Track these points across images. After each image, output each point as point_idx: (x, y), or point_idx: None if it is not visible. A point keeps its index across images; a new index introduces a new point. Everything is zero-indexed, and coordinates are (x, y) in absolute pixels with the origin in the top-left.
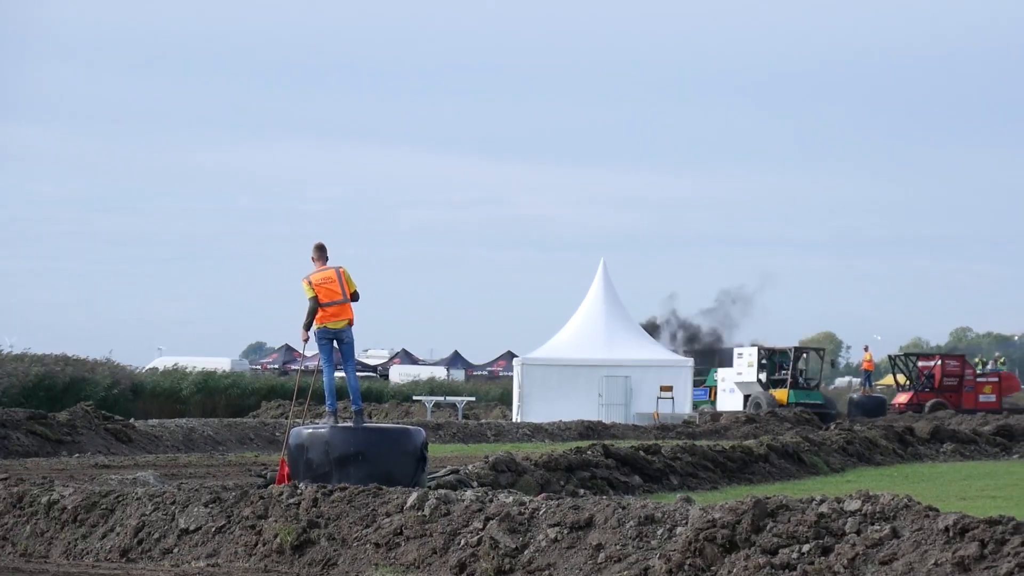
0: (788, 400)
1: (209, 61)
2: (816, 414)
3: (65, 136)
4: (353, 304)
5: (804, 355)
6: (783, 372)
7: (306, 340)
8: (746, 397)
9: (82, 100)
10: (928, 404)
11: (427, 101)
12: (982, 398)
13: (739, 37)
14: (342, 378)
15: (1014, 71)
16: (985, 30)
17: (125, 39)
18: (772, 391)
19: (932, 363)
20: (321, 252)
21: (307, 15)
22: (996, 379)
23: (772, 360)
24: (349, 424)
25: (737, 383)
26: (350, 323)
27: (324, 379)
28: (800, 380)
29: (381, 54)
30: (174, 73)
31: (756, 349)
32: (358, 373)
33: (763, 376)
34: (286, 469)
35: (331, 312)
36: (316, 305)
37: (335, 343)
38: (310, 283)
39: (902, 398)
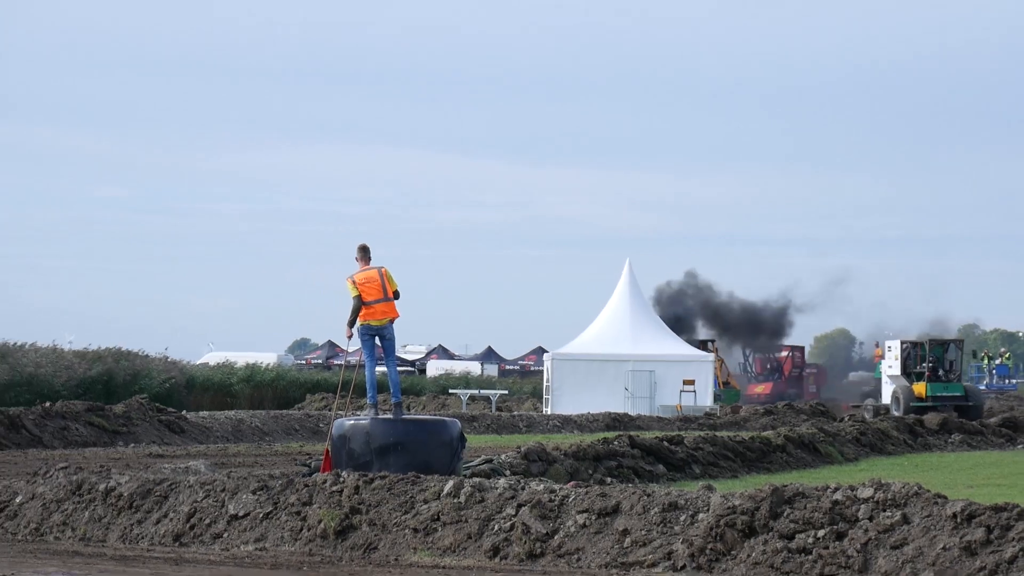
0: (925, 393)
1: (253, 67)
2: (957, 407)
3: (117, 140)
4: (395, 302)
5: (944, 347)
6: (924, 365)
7: (350, 337)
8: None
9: (131, 107)
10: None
11: (464, 108)
12: (811, 388)
13: (758, 42)
14: (383, 372)
15: (1010, 70)
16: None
17: (169, 46)
18: (914, 384)
19: (784, 354)
20: (364, 253)
21: (346, 22)
22: (815, 371)
23: (913, 353)
24: (389, 416)
25: (889, 376)
26: (392, 320)
27: (366, 373)
28: (940, 372)
29: (421, 61)
30: (220, 78)
31: (899, 342)
32: (397, 368)
33: (905, 369)
34: (330, 458)
35: (374, 310)
36: (360, 303)
37: (377, 339)
38: (354, 282)
39: (759, 388)
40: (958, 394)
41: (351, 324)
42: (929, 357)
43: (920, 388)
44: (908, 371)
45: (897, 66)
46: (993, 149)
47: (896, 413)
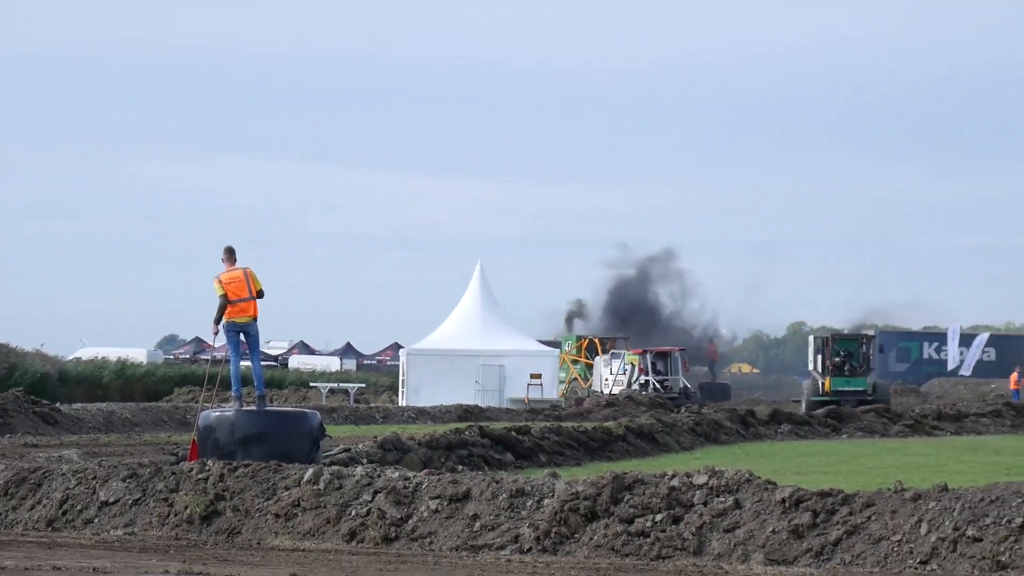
0: (829, 388)
1: (129, 77)
2: (861, 402)
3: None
4: (259, 301)
5: (858, 342)
6: (832, 360)
7: (216, 333)
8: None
9: (10, 113)
10: None
11: (330, 118)
12: None
13: (607, 48)
14: (247, 367)
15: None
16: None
17: (50, 54)
18: (826, 379)
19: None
20: (230, 254)
21: (219, 31)
22: None
23: (826, 348)
24: (253, 408)
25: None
26: (254, 318)
27: (231, 368)
28: (847, 367)
29: (286, 70)
30: (91, 89)
31: (812, 337)
32: (261, 362)
33: (819, 363)
34: (196, 448)
35: (238, 308)
36: (225, 302)
37: (241, 335)
38: (220, 282)
39: None
40: (861, 388)
41: (217, 321)
42: (839, 351)
43: (828, 383)
44: (821, 366)
45: (743, 70)
46: (806, 156)
47: (801, 408)
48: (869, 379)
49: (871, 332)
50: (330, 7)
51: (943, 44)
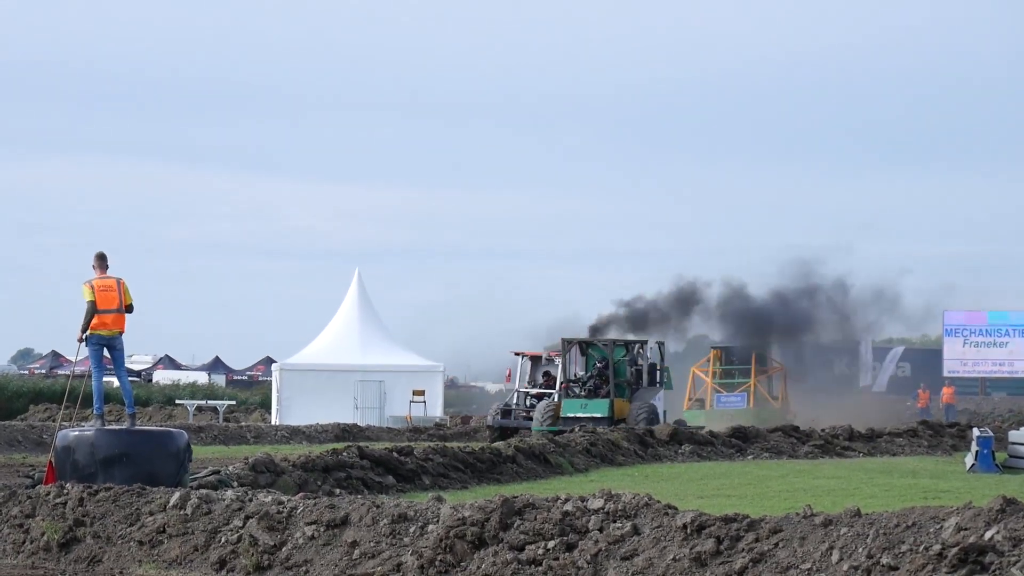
0: (561, 412)
1: None
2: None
3: None
4: (127, 316)
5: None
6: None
7: (81, 341)
8: None
9: None
10: None
11: (192, 118)
12: None
13: (493, 60)
14: (109, 383)
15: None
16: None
17: None
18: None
19: None
20: (102, 261)
21: (71, 31)
22: None
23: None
24: (115, 427)
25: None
26: (121, 332)
27: (93, 384)
28: (578, 386)
29: (156, 72)
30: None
31: (562, 340)
32: (128, 378)
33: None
34: (52, 470)
35: (106, 320)
36: (94, 309)
37: (106, 350)
38: (92, 288)
39: None
40: (599, 414)
41: (84, 329)
42: (594, 362)
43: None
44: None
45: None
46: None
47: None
48: (652, 399)
49: (646, 337)
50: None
51: None
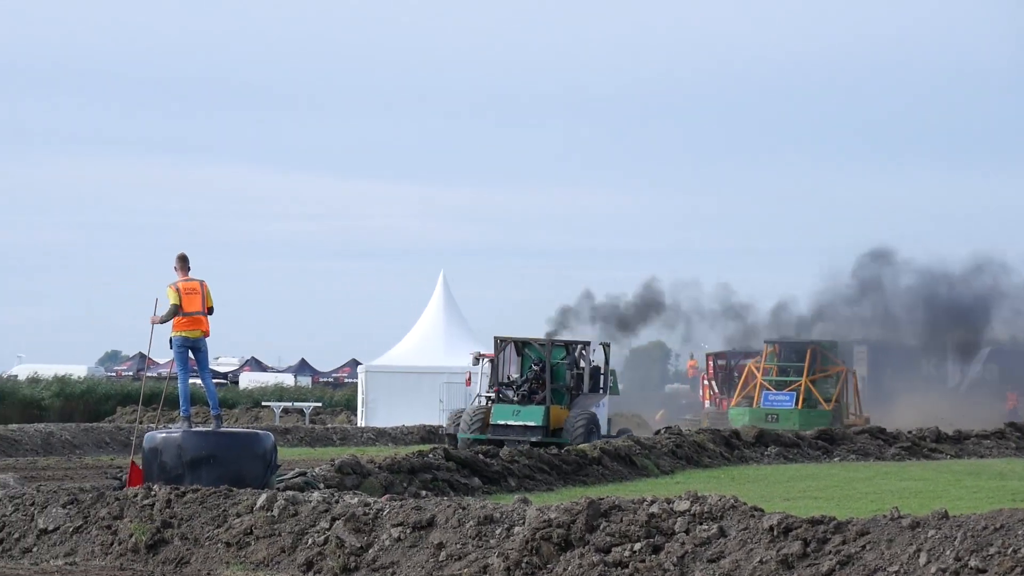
0: (491, 419)
1: (63, 77)
2: (535, 444)
3: None
4: (209, 318)
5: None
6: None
7: (156, 322)
8: None
9: None
10: None
11: (278, 120)
12: None
13: (576, 55)
14: (195, 384)
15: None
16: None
17: None
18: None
19: None
20: (184, 262)
21: (159, 32)
22: None
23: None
24: (202, 428)
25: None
26: (206, 334)
27: (179, 385)
28: (512, 391)
29: (243, 73)
30: (29, 89)
31: (495, 338)
32: (212, 380)
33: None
34: (137, 471)
35: (190, 321)
36: (176, 312)
37: (190, 352)
38: (177, 290)
39: None
40: (532, 423)
41: (161, 321)
42: (531, 364)
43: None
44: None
45: (692, 83)
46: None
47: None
48: (593, 406)
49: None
50: (287, 4)
51: None
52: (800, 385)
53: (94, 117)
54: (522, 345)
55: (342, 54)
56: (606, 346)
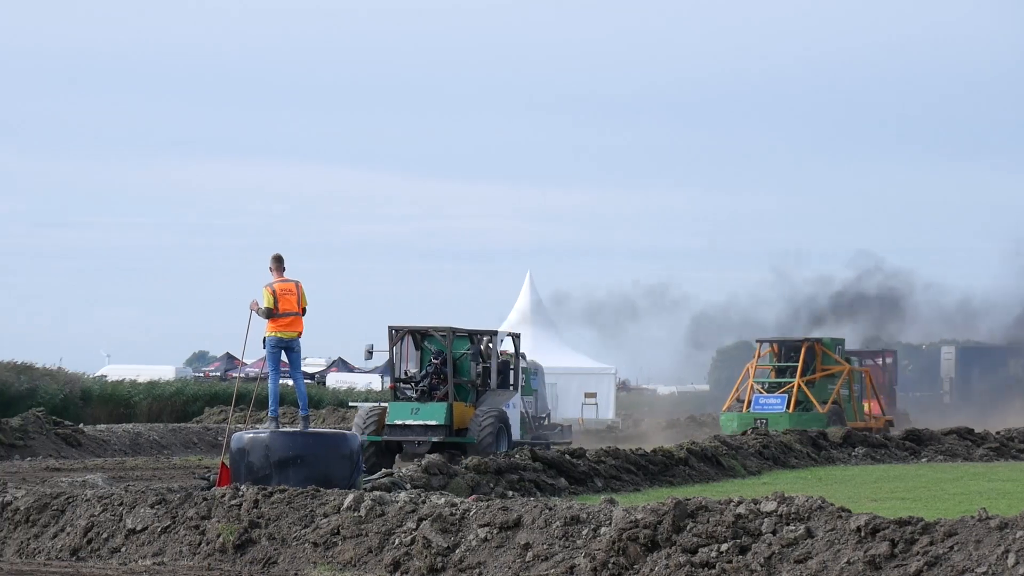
0: (387, 419)
1: (150, 78)
2: (436, 445)
3: (9, 154)
4: (303, 318)
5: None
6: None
7: (255, 310)
8: None
9: (20, 117)
10: None
11: (365, 121)
12: None
13: (663, 53)
14: (284, 385)
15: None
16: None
17: (60, 54)
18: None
19: None
20: (279, 263)
21: (248, 34)
22: None
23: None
24: (289, 429)
25: None
26: (300, 334)
27: (270, 385)
28: (410, 388)
29: (324, 75)
30: (113, 91)
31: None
32: (304, 381)
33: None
34: (228, 472)
35: (286, 322)
36: (271, 313)
37: (283, 352)
38: (273, 292)
39: None
40: (434, 422)
41: (263, 315)
42: (430, 358)
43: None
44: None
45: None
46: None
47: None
48: (503, 404)
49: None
50: (369, 9)
51: None
52: (793, 387)
53: (189, 119)
54: (421, 336)
55: (438, 56)
56: (515, 337)
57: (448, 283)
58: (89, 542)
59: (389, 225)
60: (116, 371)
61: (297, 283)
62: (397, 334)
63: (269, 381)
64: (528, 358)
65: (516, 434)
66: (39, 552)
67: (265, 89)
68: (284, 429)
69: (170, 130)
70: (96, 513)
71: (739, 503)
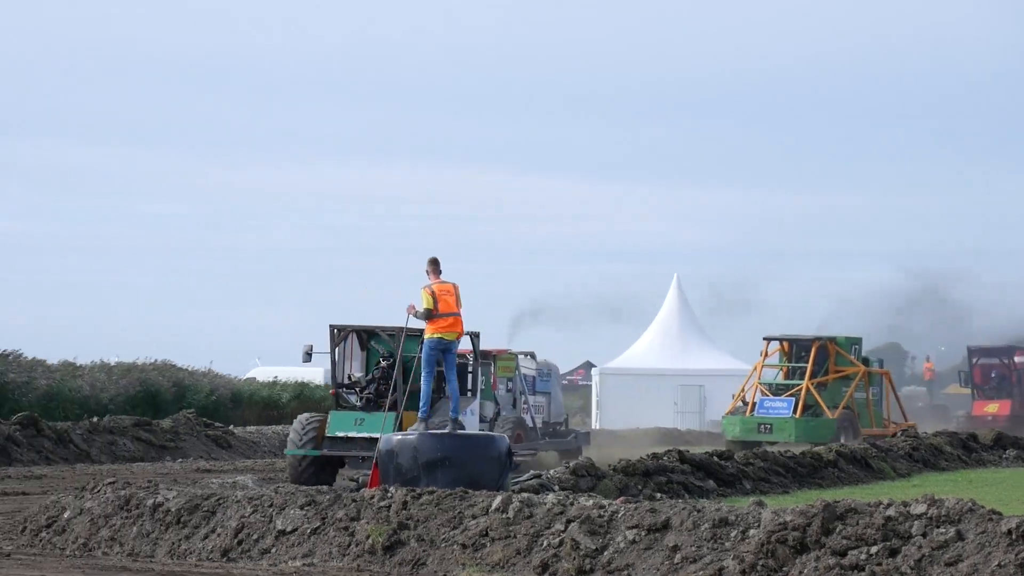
0: (327, 431)
1: (298, 83)
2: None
3: (166, 156)
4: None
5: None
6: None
7: (412, 312)
8: None
9: (180, 121)
10: None
11: (510, 119)
12: None
13: (816, 53)
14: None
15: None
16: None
17: (214, 60)
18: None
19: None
20: (435, 266)
21: (394, 39)
22: None
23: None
24: (438, 431)
25: None
26: (460, 336)
27: (423, 387)
28: (354, 395)
29: (480, 77)
30: (264, 95)
31: (331, 328)
32: (457, 383)
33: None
34: (376, 473)
35: (446, 323)
36: (430, 315)
37: (441, 353)
38: (432, 294)
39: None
40: (373, 435)
41: (420, 317)
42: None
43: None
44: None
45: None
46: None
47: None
48: (464, 410)
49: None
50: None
51: None
52: (801, 390)
53: (352, 122)
54: (367, 336)
55: (588, 61)
56: (474, 336)
57: (596, 283)
58: (239, 543)
59: (541, 227)
60: (265, 374)
61: (455, 285)
62: (340, 334)
63: (423, 382)
64: (540, 358)
65: None
66: (190, 553)
67: (419, 92)
68: (433, 431)
69: (337, 132)
70: (246, 514)
71: (889, 505)
